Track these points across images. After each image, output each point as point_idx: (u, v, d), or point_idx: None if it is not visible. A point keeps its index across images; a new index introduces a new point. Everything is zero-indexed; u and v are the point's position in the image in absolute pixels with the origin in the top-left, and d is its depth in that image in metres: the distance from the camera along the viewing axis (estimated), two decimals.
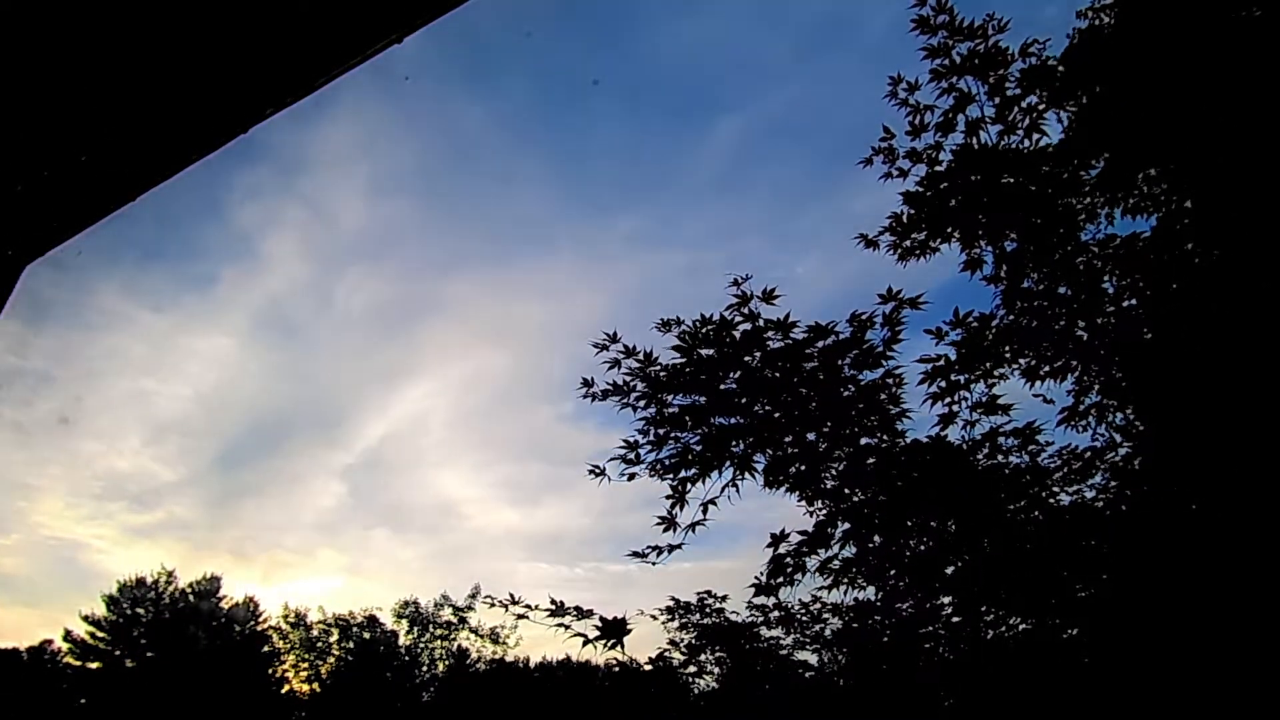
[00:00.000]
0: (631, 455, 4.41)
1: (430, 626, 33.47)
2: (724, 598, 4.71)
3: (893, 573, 4.17)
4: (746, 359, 4.18)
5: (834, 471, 4.26)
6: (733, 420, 4.28)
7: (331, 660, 33.14)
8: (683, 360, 4.27)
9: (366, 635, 33.05)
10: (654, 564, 4.25)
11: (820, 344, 4.10)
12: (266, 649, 33.70)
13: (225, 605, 33.86)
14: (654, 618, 4.70)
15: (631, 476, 4.45)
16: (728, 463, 4.27)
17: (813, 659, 4.53)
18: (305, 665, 33.49)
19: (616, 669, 3.97)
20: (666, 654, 4.56)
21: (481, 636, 33.00)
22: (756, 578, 4.23)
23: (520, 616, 4.16)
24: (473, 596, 32.75)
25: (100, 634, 32.04)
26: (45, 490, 55.55)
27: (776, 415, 4.25)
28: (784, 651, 4.51)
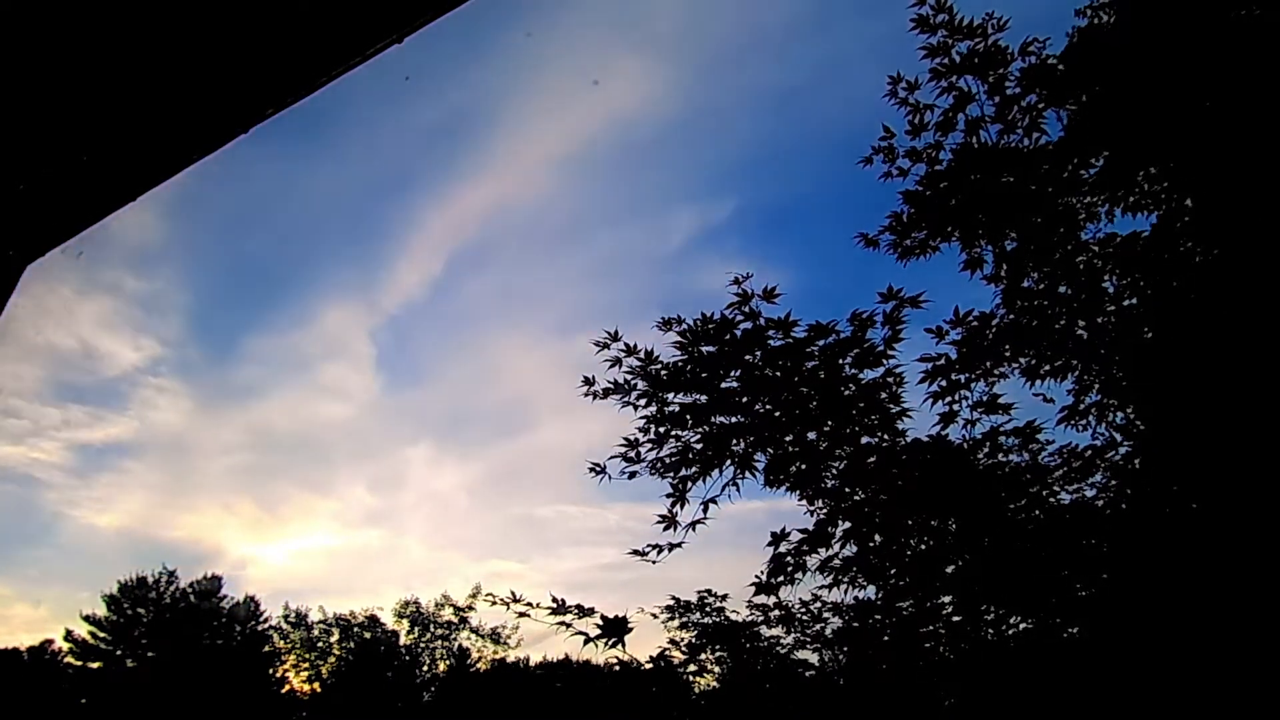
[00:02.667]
0: (632, 454, 4.41)
1: (431, 626, 33.48)
2: (724, 596, 4.71)
3: (893, 572, 4.17)
4: (747, 357, 4.17)
5: (834, 470, 4.26)
6: (733, 419, 4.28)
7: (332, 660, 33.14)
8: (683, 359, 4.27)
9: (367, 635, 33.05)
10: (654, 562, 4.26)
11: (821, 343, 4.10)
12: (267, 649, 33.70)
13: (225, 605, 33.86)
14: (654, 616, 4.71)
15: (632, 475, 4.45)
16: (728, 461, 4.27)
17: (813, 658, 4.53)
18: (306, 665, 33.50)
19: (617, 668, 3.97)
20: (667, 653, 4.57)
21: (482, 636, 33.04)
22: (757, 577, 4.24)
23: (521, 615, 4.16)
24: (473, 596, 32.80)
25: (100, 634, 32.05)
26: None
27: (777, 414, 4.25)
28: (784, 651, 4.52)
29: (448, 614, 33.33)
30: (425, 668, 33.46)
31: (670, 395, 4.36)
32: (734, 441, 4.26)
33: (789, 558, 4.21)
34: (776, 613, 4.49)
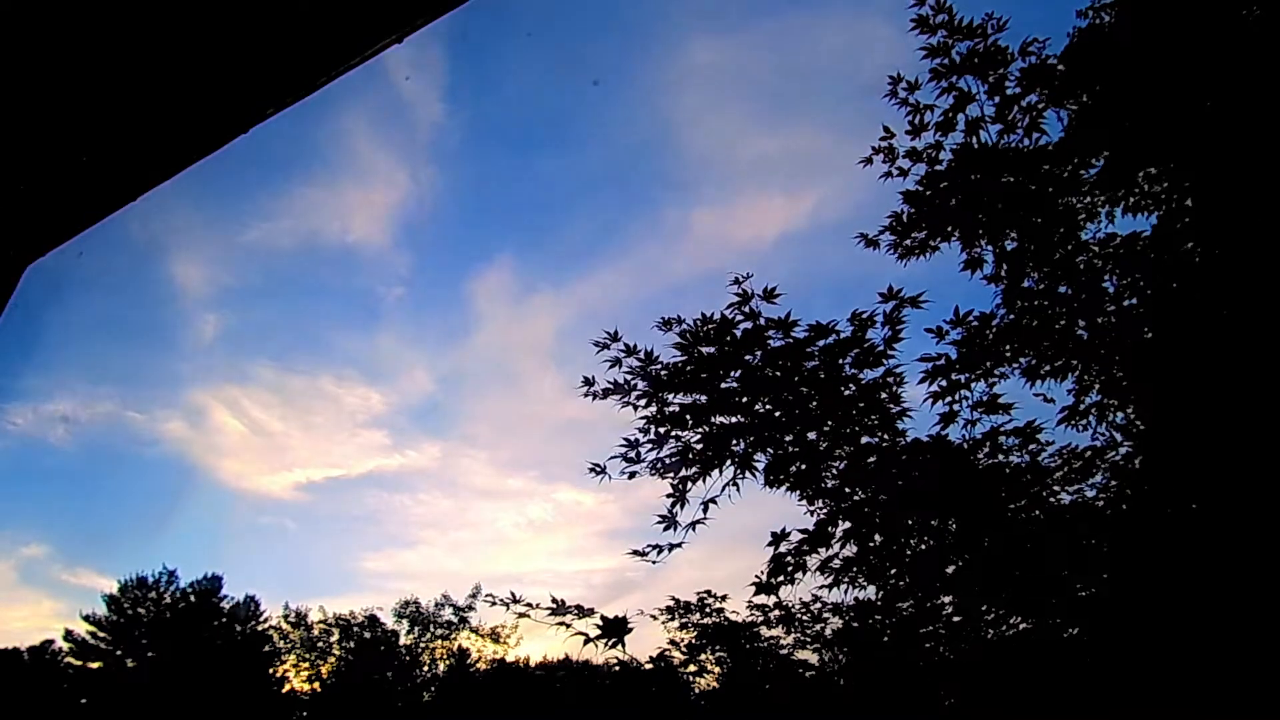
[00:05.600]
0: (632, 454, 4.41)
1: (431, 626, 33.47)
2: (724, 597, 4.71)
3: (893, 572, 4.17)
4: (747, 358, 4.17)
5: (835, 470, 4.26)
6: (733, 419, 4.27)
7: (331, 660, 33.13)
8: (683, 359, 4.27)
9: (367, 635, 33.04)
10: (654, 562, 4.25)
11: (821, 343, 4.10)
12: (267, 649, 33.69)
13: (225, 605, 33.86)
14: (654, 618, 4.71)
15: (632, 475, 4.45)
16: (728, 461, 4.27)
17: (813, 659, 4.53)
18: (305, 665, 33.49)
19: (617, 668, 3.97)
20: (667, 654, 4.57)
21: (482, 636, 33.04)
22: (757, 577, 4.24)
23: (521, 615, 4.17)
24: (473, 596, 32.83)
25: (100, 634, 32.04)
26: None
27: (777, 414, 4.25)
28: (784, 651, 4.51)
29: (447, 614, 33.34)
30: (425, 668, 33.45)
31: (670, 395, 4.36)
32: (734, 441, 4.26)
33: (789, 558, 4.21)
34: (776, 613, 4.50)
